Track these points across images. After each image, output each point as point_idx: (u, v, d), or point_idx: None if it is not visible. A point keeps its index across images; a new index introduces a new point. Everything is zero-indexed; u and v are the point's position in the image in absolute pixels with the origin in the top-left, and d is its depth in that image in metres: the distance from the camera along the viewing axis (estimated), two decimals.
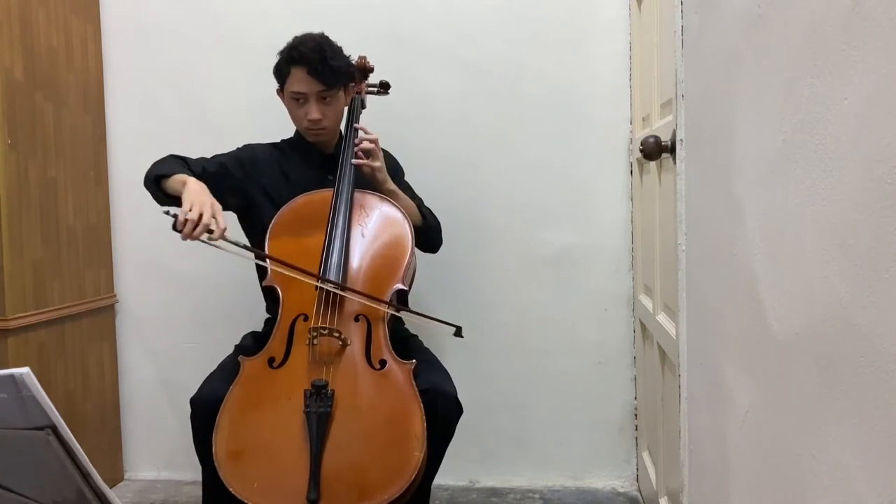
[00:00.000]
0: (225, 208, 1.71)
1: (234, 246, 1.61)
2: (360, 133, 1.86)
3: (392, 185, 1.90)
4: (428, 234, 1.98)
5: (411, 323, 2.05)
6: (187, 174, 1.71)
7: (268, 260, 1.74)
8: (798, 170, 0.81)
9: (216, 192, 1.68)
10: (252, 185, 1.91)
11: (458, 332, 1.68)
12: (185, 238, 1.54)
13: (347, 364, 1.62)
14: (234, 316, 2.29)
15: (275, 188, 1.91)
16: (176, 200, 1.66)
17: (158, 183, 1.71)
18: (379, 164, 1.86)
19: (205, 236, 1.55)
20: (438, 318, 1.70)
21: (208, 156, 1.89)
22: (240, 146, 1.97)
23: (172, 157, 1.81)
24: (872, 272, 0.64)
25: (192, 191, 1.61)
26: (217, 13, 2.40)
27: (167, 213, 1.57)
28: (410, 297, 1.86)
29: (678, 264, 1.38)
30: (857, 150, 0.67)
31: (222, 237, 1.57)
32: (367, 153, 1.84)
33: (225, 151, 1.94)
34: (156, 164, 1.77)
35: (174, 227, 1.54)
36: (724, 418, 1.11)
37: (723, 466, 1.12)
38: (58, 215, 2.21)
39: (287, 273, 1.68)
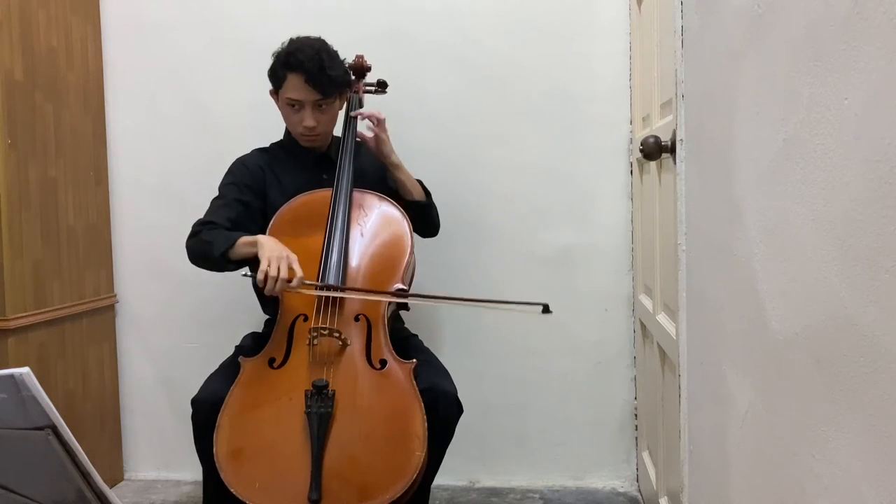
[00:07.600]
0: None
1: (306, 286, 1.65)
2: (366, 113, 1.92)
3: (397, 159, 1.94)
4: (430, 212, 1.99)
5: (411, 323, 2.05)
6: (242, 234, 1.70)
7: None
8: (798, 170, 0.81)
9: (241, 228, 1.77)
10: (259, 200, 1.90)
11: (546, 309, 1.61)
12: (268, 294, 1.60)
13: (348, 364, 1.62)
14: (234, 316, 2.29)
15: (274, 194, 1.91)
16: (243, 263, 1.72)
17: (226, 258, 1.70)
18: (386, 135, 1.91)
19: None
20: (517, 301, 1.75)
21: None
22: (230, 167, 1.94)
23: (204, 226, 1.77)
24: (872, 272, 0.64)
25: (267, 247, 1.63)
26: (217, 13, 2.40)
27: (245, 275, 1.63)
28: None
29: (678, 264, 1.38)
30: (857, 150, 0.67)
31: (301, 284, 1.62)
32: (376, 121, 1.90)
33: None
34: (203, 244, 1.72)
35: (255, 285, 1.65)
36: (724, 418, 1.11)
37: (723, 466, 1.12)
38: (58, 215, 2.21)
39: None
